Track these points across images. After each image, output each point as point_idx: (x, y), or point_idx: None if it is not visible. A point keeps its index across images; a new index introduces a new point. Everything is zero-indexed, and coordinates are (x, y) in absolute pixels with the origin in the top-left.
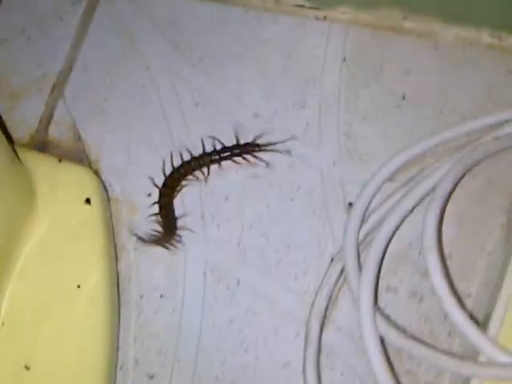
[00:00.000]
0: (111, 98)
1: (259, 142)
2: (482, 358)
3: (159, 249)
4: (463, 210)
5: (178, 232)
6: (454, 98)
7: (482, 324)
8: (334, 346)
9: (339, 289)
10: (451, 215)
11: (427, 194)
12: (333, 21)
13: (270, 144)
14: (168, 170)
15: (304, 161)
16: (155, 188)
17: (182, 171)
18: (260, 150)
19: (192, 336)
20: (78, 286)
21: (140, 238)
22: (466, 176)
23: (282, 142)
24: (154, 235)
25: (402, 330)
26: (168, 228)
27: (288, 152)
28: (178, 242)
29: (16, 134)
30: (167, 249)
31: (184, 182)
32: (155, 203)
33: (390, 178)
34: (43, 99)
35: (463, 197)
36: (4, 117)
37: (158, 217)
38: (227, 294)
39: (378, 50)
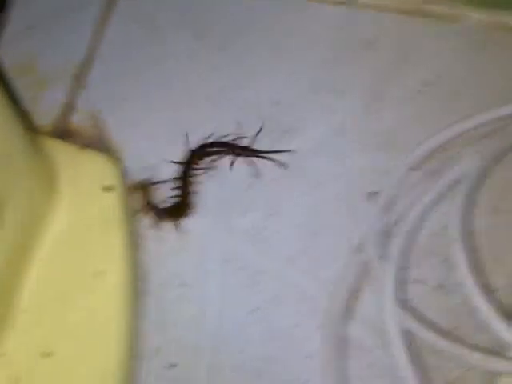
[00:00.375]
0: (133, 86)
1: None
2: (511, 353)
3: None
4: (492, 201)
5: (190, 211)
6: (480, 84)
7: (511, 318)
8: (358, 338)
9: (363, 280)
10: (480, 206)
11: (454, 183)
12: (355, 6)
13: (270, 152)
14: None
15: (327, 149)
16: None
17: (205, 151)
18: (257, 156)
19: (212, 325)
20: (99, 274)
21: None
22: (495, 165)
23: (281, 151)
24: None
25: (429, 324)
26: (182, 204)
27: (284, 165)
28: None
29: (39, 123)
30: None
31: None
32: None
33: (416, 167)
34: (66, 87)
35: (492, 187)
36: (27, 105)
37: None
38: (248, 282)
39: (401, 35)
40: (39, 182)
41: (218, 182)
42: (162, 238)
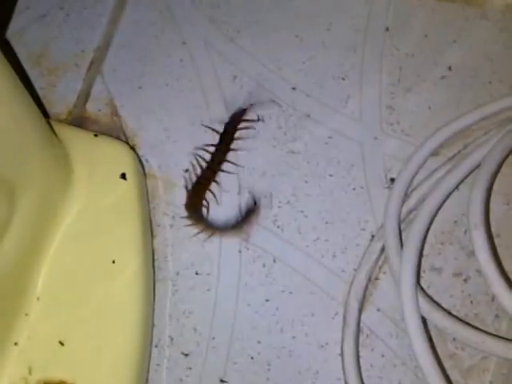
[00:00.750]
0: (148, 74)
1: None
2: None
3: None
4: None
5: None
6: (503, 69)
7: None
8: (374, 327)
9: (379, 268)
10: (499, 193)
11: (473, 170)
12: None
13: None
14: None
15: (344, 135)
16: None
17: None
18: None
19: (227, 314)
20: (114, 262)
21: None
22: None
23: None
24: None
25: (446, 312)
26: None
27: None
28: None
29: (54, 110)
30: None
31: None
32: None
33: (435, 153)
34: (81, 75)
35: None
36: (42, 93)
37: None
38: (263, 271)
39: (423, 18)
40: (54, 169)
41: (234, 170)
42: (178, 226)
